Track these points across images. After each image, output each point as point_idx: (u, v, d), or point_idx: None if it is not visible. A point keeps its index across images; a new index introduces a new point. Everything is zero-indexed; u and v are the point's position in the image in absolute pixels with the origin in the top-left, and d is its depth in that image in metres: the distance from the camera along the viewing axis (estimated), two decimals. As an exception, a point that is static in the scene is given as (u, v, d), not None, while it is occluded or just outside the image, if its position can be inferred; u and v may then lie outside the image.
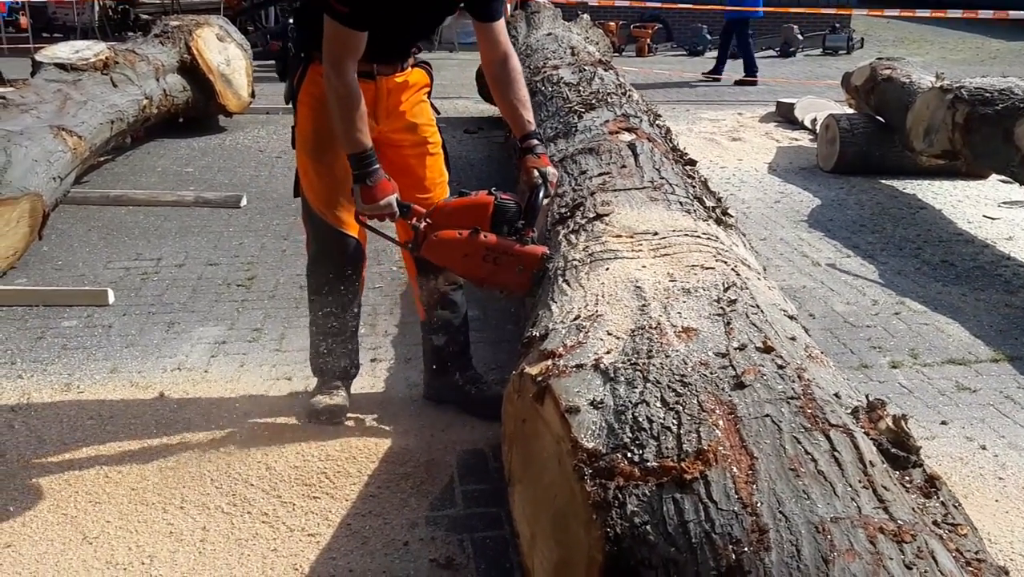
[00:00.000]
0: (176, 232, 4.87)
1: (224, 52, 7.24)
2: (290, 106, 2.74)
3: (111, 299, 3.88)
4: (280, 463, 2.58)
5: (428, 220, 2.51)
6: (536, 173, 2.56)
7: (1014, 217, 5.35)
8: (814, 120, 7.62)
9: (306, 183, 2.73)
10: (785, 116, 8.33)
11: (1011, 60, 13.34)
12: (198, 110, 7.14)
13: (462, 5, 2.62)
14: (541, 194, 2.53)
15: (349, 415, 2.88)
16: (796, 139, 7.56)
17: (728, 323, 1.90)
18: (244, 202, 5.39)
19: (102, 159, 6.10)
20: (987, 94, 4.79)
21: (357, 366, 3.00)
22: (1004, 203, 5.67)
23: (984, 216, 5.37)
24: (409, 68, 2.72)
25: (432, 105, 2.86)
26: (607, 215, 2.62)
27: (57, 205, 4.69)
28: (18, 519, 2.37)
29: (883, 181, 6.13)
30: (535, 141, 2.64)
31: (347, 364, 2.94)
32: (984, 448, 2.80)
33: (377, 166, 2.46)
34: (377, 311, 3.77)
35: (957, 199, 5.75)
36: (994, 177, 6.09)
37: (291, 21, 2.40)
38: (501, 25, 2.67)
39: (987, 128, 4.74)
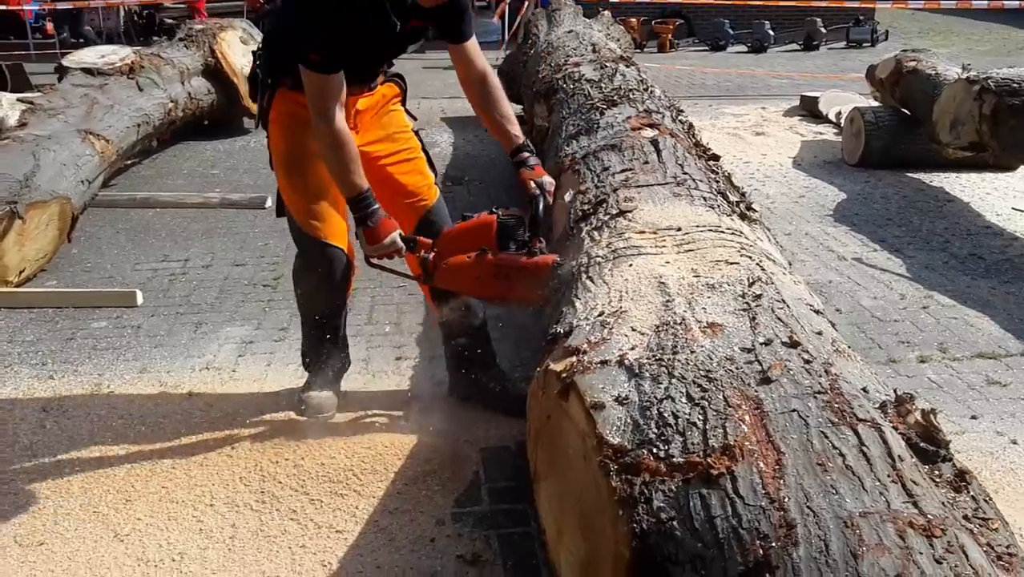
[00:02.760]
0: (202, 233, 4.92)
1: (248, 55, 7.29)
2: (259, 128, 2.76)
3: (140, 300, 3.93)
4: (308, 460, 2.60)
5: (436, 250, 2.54)
6: (533, 185, 2.59)
7: (1043, 209, 5.28)
8: (838, 114, 7.55)
9: (287, 199, 2.74)
10: (809, 110, 8.26)
11: (1040, 50, 13.15)
12: (222, 112, 7.21)
13: (427, 37, 2.63)
14: (542, 205, 2.56)
15: (377, 412, 2.91)
16: (820, 133, 7.49)
17: (753, 318, 1.89)
18: (269, 203, 5.42)
19: (129, 162, 6.17)
20: (1015, 85, 4.72)
21: (348, 362, 3.03)
22: (1033, 195, 5.59)
23: (1013, 208, 5.30)
24: (379, 85, 2.75)
25: (407, 111, 2.89)
26: (630, 211, 2.61)
27: (85, 208, 4.75)
28: (50, 517, 2.41)
29: (909, 174, 6.06)
30: (526, 154, 2.66)
31: (337, 361, 2.97)
32: (1015, 443, 2.76)
33: (377, 206, 2.48)
34: (402, 309, 3.79)
35: (985, 191, 5.68)
36: (1022, 169, 6.01)
37: (259, 45, 2.42)
38: (475, 44, 2.69)
39: (1015, 119, 4.67)
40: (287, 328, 3.64)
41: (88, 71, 5.66)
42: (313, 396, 2.87)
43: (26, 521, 2.39)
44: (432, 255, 2.53)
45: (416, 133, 2.90)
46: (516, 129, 2.70)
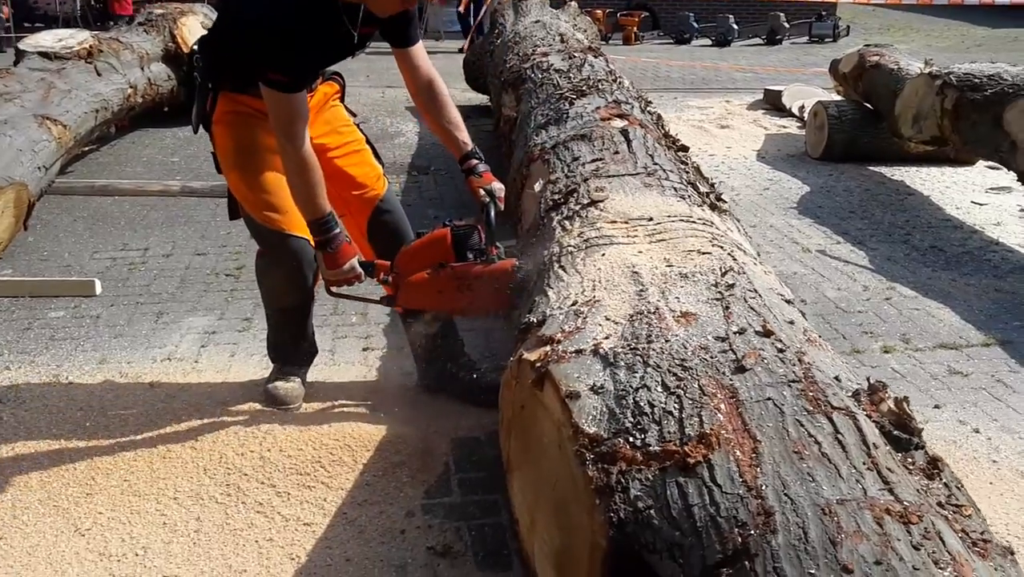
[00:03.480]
0: (163, 222, 4.83)
1: (209, 40, 7.17)
2: (197, 133, 2.73)
3: (98, 289, 3.84)
4: (274, 452, 2.56)
5: (396, 271, 2.54)
6: (483, 192, 2.60)
7: (1001, 203, 5.37)
8: (802, 107, 7.63)
9: (242, 198, 2.69)
10: (773, 104, 8.34)
11: (996, 47, 13.40)
12: (183, 99, 7.07)
13: (365, 48, 2.61)
14: (493, 211, 2.56)
15: (344, 403, 2.88)
16: (784, 126, 7.56)
17: (727, 307, 1.89)
18: (231, 192, 5.33)
19: (86, 149, 6.04)
20: (976, 80, 4.79)
21: (314, 352, 3.00)
22: (991, 189, 5.69)
23: (972, 202, 5.39)
24: (319, 85, 2.72)
25: (347, 108, 2.88)
26: (601, 201, 2.60)
27: (42, 195, 4.63)
28: (8, 511, 2.34)
29: (871, 168, 6.14)
30: (475, 161, 2.66)
31: (303, 351, 2.94)
32: (977, 431, 2.81)
33: (338, 230, 2.46)
34: (368, 300, 3.74)
35: (945, 185, 5.77)
36: (981, 163, 6.12)
37: (196, 48, 2.35)
38: (420, 49, 2.67)
39: (976, 114, 4.74)
40: (251, 318, 3.59)
41: (45, 55, 5.52)
42: (279, 387, 2.84)
43: (-17, 515, 2.32)
44: (392, 276, 2.53)
45: (358, 126, 2.88)
46: (464, 136, 2.69)
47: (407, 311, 2.81)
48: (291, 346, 2.87)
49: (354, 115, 2.89)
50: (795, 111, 7.83)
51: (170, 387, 3.00)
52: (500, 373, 2.89)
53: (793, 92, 8.23)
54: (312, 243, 2.59)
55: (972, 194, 5.58)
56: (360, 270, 2.50)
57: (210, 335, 3.44)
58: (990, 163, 6.00)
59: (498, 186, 2.62)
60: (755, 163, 6.38)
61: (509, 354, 2.60)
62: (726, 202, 2.83)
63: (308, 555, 2.16)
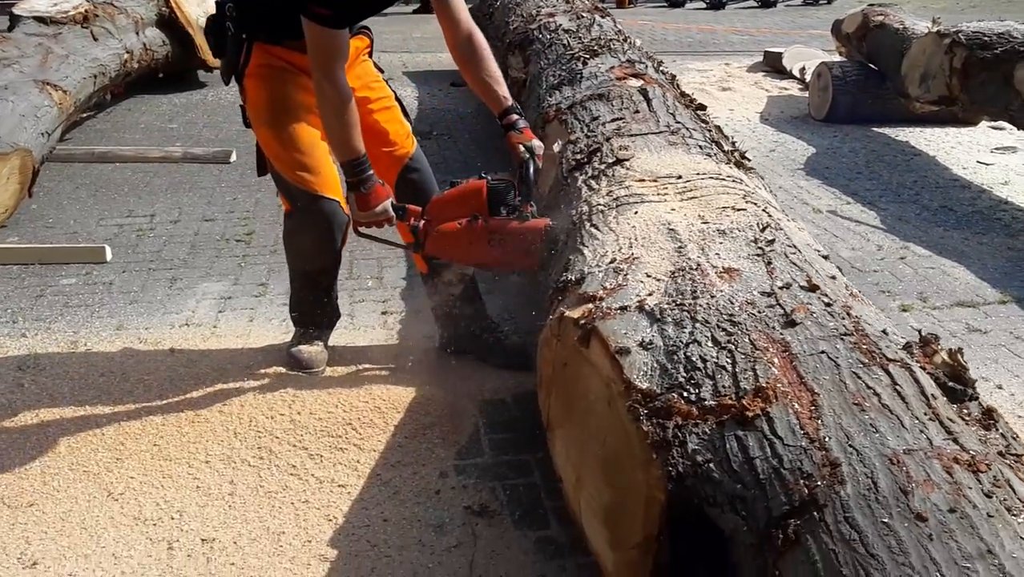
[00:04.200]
0: (167, 188, 4.78)
1: (203, 4, 7.05)
2: (229, 85, 2.67)
3: (108, 256, 3.80)
4: (304, 415, 2.55)
5: (426, 217, 2.50)
6: (522, 148, 2.55)
7: (1008, 162, 5.36)
8: (803, 69, 7.58)
9: (272, 154, 2.63)
10: (772, 66, 8.27)
11: (992, 8, 13.32)
12: (178, 65, 6.98)
13: None
14: (532, 168, 2.52)
15: (368, 366, 2.87)
16: (786, 88, 7.51)
17: (769, 263, 1.88)
18: (234, 157, 5.27)
19: (84, 116, 5.94)
20: (985, 38, 4.76)
21: (337, 315, 2.98)
22: (996, 149, 5.68)
23: (978, 162, 5.38)
24: (350, 38, 2.66)
25: (375, 64, 2.84)
26: (627, 160, 2.58)
27: (43, 162, 4.57)
28: (38, 478, 2.33)
29: (875, 129, 6.12)
30: (515, 116, 2.61)
31: (326, 315, 2.92)
32: (1000, 387, 2.82)
33: (371, 172, 2.42)
34: (383, 264, 3.72)
35: (950, 145, 5.76)
36: (984, 124, 6.10)
37: None
38: (460, 1, 2.61)
39: (986, 72, 4.71)
40: (266, 284, 3.56)
41: (41, 20, 5.42)
42: (304, 350, 2.82)
43: (13, 482, 2.30)
44: (422, 223, 2.50)
45: (387, 82, 2.85)
46: (503, 90, 2.64)
47: (430, 265, 2.79)
48: (315, 309, 2.85)
49: (382, 71, 2.85)
50: (796, 73, 7.78)
51: (191, 353, 2.97)
52: (522, 335, 2.91)
53: (793, 54, 8.16)
54: (343, 206, 2.55)
55: (978, 154, 5.56)
56: (392, 213, 2.47)
57: (226, 300, 3.41)
58: (993, 123, 5.99)
59: (537, 143, 2.59)
60: (759, 125, 6.35)
61: (531, 316, 2.60)
62: (750, 160, 2.81)
63: (345, 516, 2.16)
